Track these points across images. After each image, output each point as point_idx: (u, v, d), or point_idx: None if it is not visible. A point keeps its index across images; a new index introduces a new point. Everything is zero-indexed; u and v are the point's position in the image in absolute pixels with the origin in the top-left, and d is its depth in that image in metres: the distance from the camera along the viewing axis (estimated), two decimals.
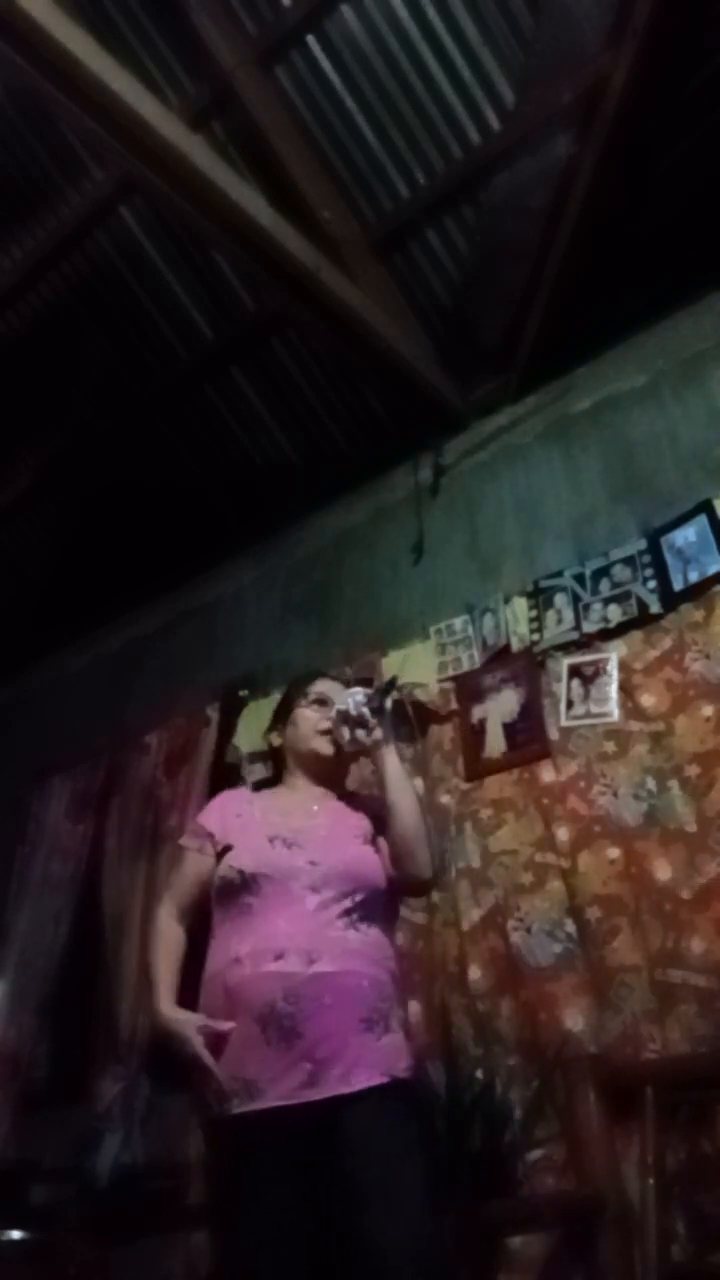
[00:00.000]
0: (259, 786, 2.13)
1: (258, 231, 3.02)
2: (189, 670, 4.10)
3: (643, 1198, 2.17)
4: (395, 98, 3.42)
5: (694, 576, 2.78)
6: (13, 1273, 2.90)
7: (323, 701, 2.02)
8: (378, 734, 1.90)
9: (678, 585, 2.81)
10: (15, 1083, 3.68)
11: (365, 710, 1.90)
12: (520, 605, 3.14)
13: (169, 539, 4.41)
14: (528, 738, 2.94)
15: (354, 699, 1.92)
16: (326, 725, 1.97)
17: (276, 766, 2.09)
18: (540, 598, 3.10)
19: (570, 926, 2.62)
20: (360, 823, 1.92)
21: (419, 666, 3.22)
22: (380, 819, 1.91)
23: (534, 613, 3.10)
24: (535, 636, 3.06)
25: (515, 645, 3.10)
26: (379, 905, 1.83)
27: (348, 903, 1.76)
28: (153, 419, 4.39)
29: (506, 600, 3.17)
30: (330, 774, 2.02)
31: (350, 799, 2.02)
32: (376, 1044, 1.66)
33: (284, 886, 1.75)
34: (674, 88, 3.00)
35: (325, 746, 1.97)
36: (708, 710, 2.61)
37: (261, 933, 1.71)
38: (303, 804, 1.95)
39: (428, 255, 3.65)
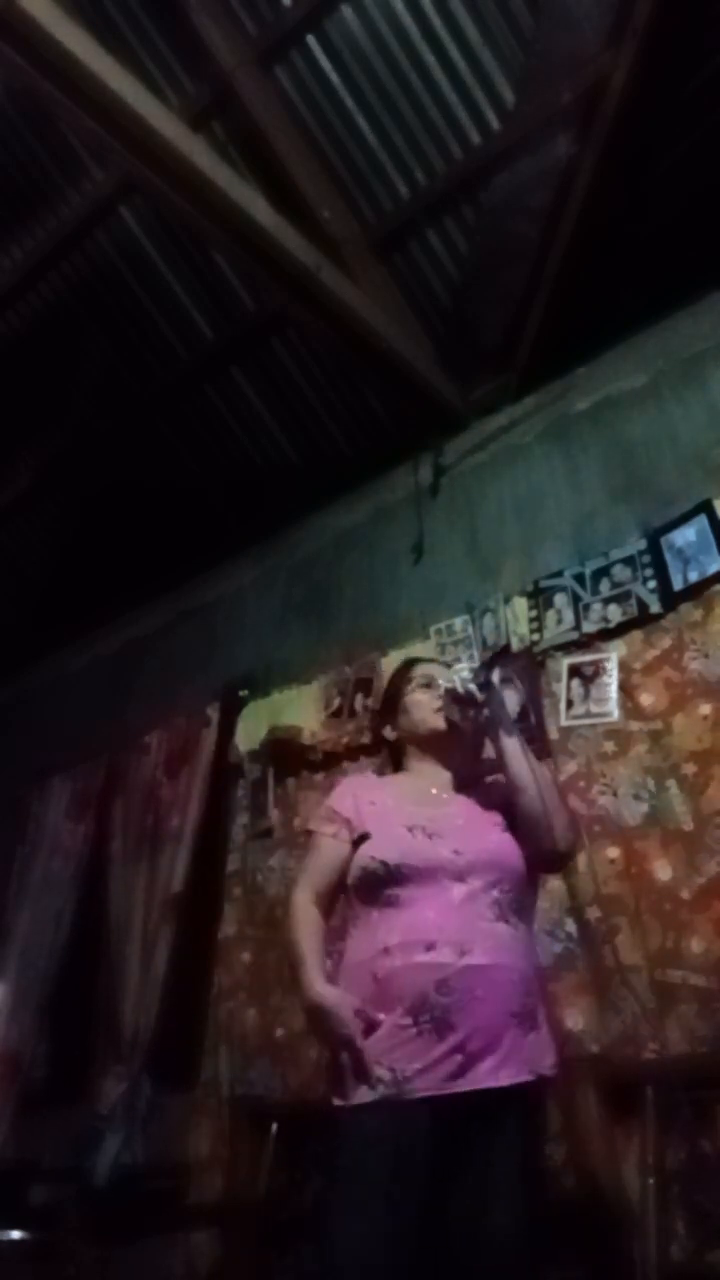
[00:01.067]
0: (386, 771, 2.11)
1: (258, 231, 3.02)
2: (189, 670, 4.10)
3: (643, 1198, 2.17)
4: (395, 98, 3.42)
5: (694, 576, 2.77)
6: (13, 1273, 2.90)
7: (429, 684, 2.02)
8: (487, 711, 1.90)
9: (678, 585, 2.81)
10: (16, 1083, 3.68)
11: (472, 687, 1.89)
12: (520, 605, 3.14)
13: (169, 539, 4.42)
14: (527, 738, 2.92)
15: (460, 676, 1.91)
16: (438, 704, 1.96)
17: (395, 760, 2.07)
18: (540, 598, 3.10)
19: (570, 926, 2.62)
20: (493, 812, 1.90)
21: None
22: (505, 806, 1.89)
23: (534, 613, 3.10)
24: (535, 636, 3.06)
25: (515, 645, 3.09)
26: (524, 896, 1.83)
27: (495, 893, 1.75)
28: (153, 419, 4.40)
29: (506, 600, 3.17)
30: (455, 753, 1.99)
31: (476, 786, 1.99)
32: (525, 1039, 1.67)
33: (430, 877, 1.74)
34: (674, 88, 3.00)
35: (440, 723, 1.96)
36: (706, 709, 2.61)
37: (410, 924, 1.70)
38: (431, 790, 1.94)
39: (428, 255, 3.65)
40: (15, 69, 2.58)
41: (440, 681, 1.99)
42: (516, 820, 1.86)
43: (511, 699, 3.01)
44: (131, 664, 4.43)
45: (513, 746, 1.89)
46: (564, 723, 2.88)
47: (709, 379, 3.05)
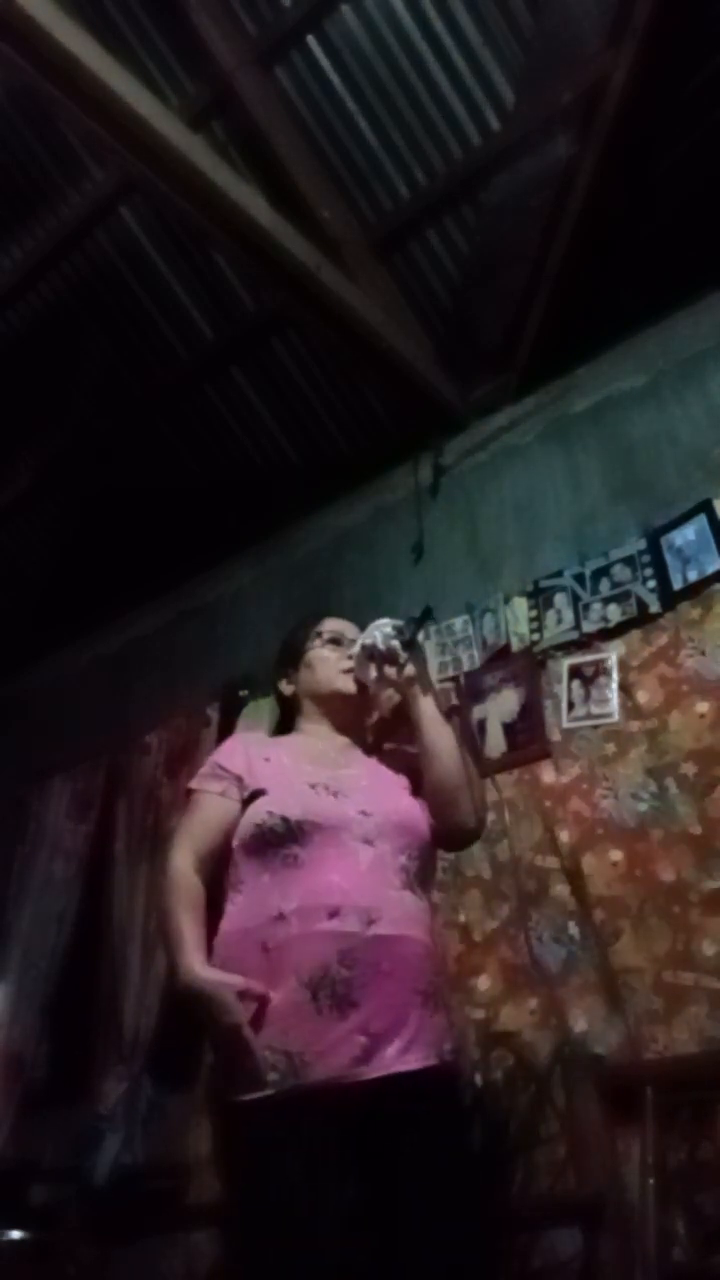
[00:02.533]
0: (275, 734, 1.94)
1: (258, 231, 3.02)
2: (189, 670, 4.09)
3: (643, 1198, 2.17)
4: (395, 98, 3.42)
5: (693, 576, 2.78)
6: (13, 1273, 2.90)
7: (337, 641, 1.86)
8: (410, 670, 1.72)
9: (677, 585, 2.81)
10: (17, 1083, 3.68)
11: (395, 644, 1.72)
12: (520, 605, 3.14)
13: (169, 539, 4.41)
14: (528, 738, 2.94)
15: (381, 631, 1.73)
16: (347, 664, 1.80)
17: (288, 716, 1.90)
18: (540, 598, 3.10)
19: (574, 930, 2.63)
20: (398, 775, 1.76)
21: None
22: (413, 772, 1.74)
23: (534, 613, 3.10)
24: (535, 636, 3.06)
25: (515, 645, 3.10)
26: (429, 865, 1.69)
27: (403, 859, 1.60)
28: (153, 419, 4.39)
29: (506, 600, 3.18)
30: (353, 719, 1.84)
31: (376, 751, 1.84)
32: (431, 1020, 1.51)
33: (335, 837, 1.56)
34: (674, 88, 3.00)
35: (348, 685, 1.80)
36: (703, 707, 2.62)
37: (311, 887, 1.52)
38: (329, 753, 1.77)
39: (428, 255, 3.65)
40: (15, 69, 2.58)
41: (350, 638, 1.84)
42: (425, 790, 1.71)
43: (511, 698, 3.02)
44: (131, 664, 4.42)
45: (430, 710, 1.72)
46: (565, 725, 2.88)
47: (709, 379, 3.05)
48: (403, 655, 1.72)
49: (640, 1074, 2.34)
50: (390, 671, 1.73)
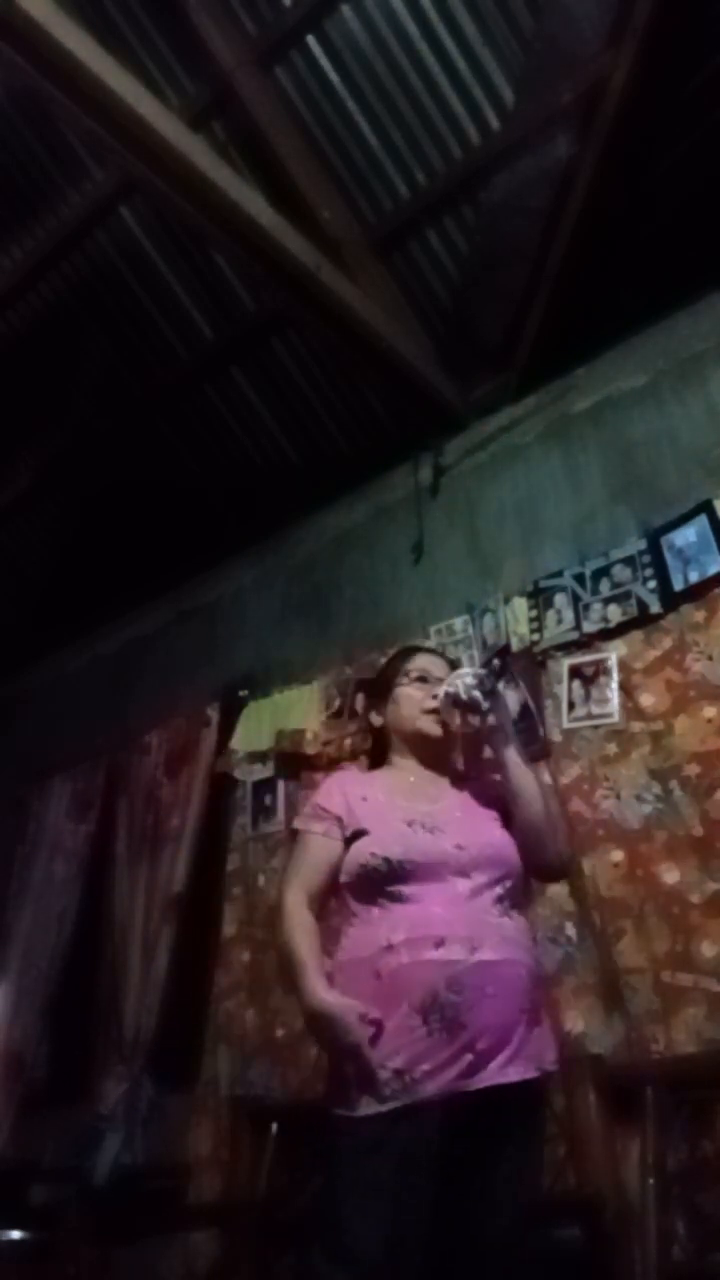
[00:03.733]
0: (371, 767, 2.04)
1: (258, 231, 3.02)
2: (189, 670, 4.10)
3: (643, 1198, 2.17)
4: (395, 98, 3.42)
5: (694, 577, 2.78)
6: (13, 1273, 2.90)
7: (424, 679, 1.93)
8: (491, 719, 1.81)
9: (678, 585, 2.81)
10: (17, 1082, 3.68)
11: (477, 694, 1.78)
12: (520, 605, 3.14)
13: (169, 539, 4.41)
14: (528, 738, 2.93)
15: (463, 682, 1.80)
16: (432, 704, 1.88)
17: (379, 748, 2.00)
18: (540, 598, 3.10)
19: (571, 931, 2.63)
20: (490, 805, 1.85)
21: None
22: (501, 803, 1.84)
23: (534, 613, 3.10)
24: (535, 636, 3.06)
25: (515, 645, 3.09)
26: (523, 890, 1.79)
27: (499, 889, 1.71)
28: (153, 419, 4.40)
29: (506, 600, 3.17)
30: (441, 756, 1.93)
31: (465, 782, 1.93)
32: (531, 1035, 1.63)
33: (434, 872, 1.68)
34: (674, 88, 3.00)
35: (433, 728, 1.88)
36: (710, 711, 2.61)
37: (416, 920, 1.64)
38: (420, 787, 1.87)
39: (428, 255, 3.65)
40: (15, 69, 2.58)
41: (436, 676, 1.92)
42: (514, 828, 1.82)
43: (511, 699, 3.02)
44: (131, 664, 4.43)
45: (514, 757, 1.84)
46: (566, 725, 2.88)
47: (709, 379, 3.05)
48: (484, 705, 1.80)
49: (640, 1074, 2.34)
50: (474, 720, 1.81)
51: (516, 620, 3.12)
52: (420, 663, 1.99)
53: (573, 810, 2.76)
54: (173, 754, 3.87)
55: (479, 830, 1.78)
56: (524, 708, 2.98)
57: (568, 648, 2.99)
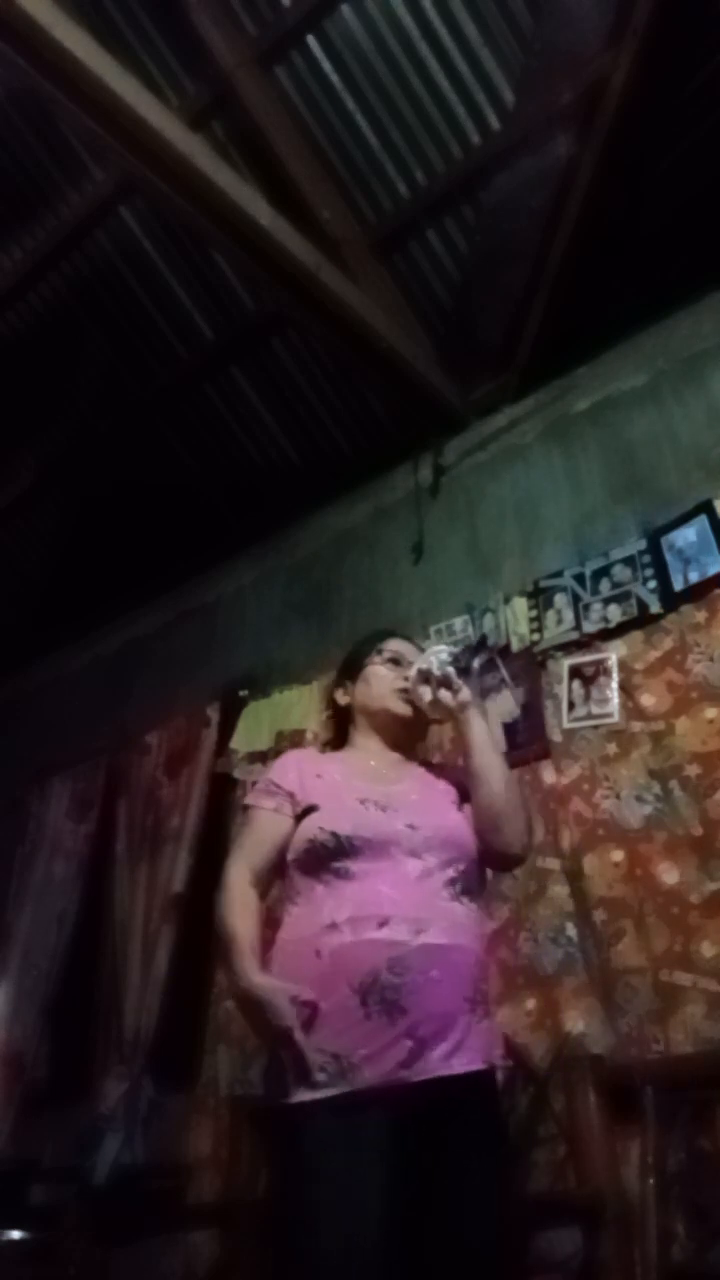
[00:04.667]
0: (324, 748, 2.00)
1: (258, 231, 3.02)
2: (189, 670, 4.10)
3: (643, 1198, 2.17)
4: (395, 98, 3.42)
5: (694, 577, 2.78)
6: (13, 1273, 2.90)
7: (397, 661, 1.90)
8: (464, 695, 1.78)
9: (678, 585, 2.81)
10: (18, 1083, 3.68)
11: (450, 670, 1.77)
12: (520, 605, 3.14)
13: (169, 539, 4.42)
14: (528, 738, 2.93)
15: (438, 657, 1.79)
16: (402, 684, 1.84)
17: (341, 727, 1.96)
18: (540, 598, 3.10)
19: (571, 931, 2.63)
20: (448, 788, 1.81)
21: None
22: (463, 788, 1.79)
23: (534, 613, 3.10)
24: (535, 636, 3.06)
25: (515, 645, 3.09)
26: (477, 877, 1.73)
27: (451, 871, 1.65)
28: (153, 419, 4.40)
29: (506, 600, 3.17)
30: (406, 737, 1.89)
31: (427, 765, 1.90)
32: (478, 1026, 1.56)
33: (384, 850, 1.62)
34: (674, 88, 3.00)
35: (401, 707, 1.84)
36: (710, 712, 2.61)
37: (362, 898, 1.58)
38: (380, 769, 1.82)
39: (428, 255, 3.65)
40: (15, 69, 2.58)
41: (409, 660, 1.88)
42: (473, 812, 1.76)
43: (511, 699, 3.02)
44: (131, 664, 4.42)
45: (482, 736, 1.78)
46: (566, 725, 2.88)
47: (709, 379, 3.05)
48: (458, 681, 1.78)
49: (640, 1074, 2.34)
50: (445, 696, 1.77)
51: (516, 620, 3.12)
52: (394, 645, 1.96)
53: (573, 810, 2.76)
54: (173, 754, 3.87)
55: (434, 812, 1.73)
56: (524, 708, 2.98)
57: (568, 648, 2.99)
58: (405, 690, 1.84)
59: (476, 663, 1.84)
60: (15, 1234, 2.95)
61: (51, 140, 3.82)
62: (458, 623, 3.27)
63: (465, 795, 1.79)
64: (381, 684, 1.88)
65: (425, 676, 1.79)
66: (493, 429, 3.58)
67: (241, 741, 3.66)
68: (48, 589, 4.94)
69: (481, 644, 1.82)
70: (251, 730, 3.66)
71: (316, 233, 3.39)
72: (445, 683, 1.78)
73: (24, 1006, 3.84)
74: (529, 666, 3.03)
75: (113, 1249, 2.88)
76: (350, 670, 1.96)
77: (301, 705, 3.55)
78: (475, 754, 1.76)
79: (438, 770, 1.89)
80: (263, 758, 3.57)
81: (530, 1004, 2.62)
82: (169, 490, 4.46)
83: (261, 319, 3.94)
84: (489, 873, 1.84)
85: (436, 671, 1.77)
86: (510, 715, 3.01)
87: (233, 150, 3.58)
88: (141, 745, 4.01)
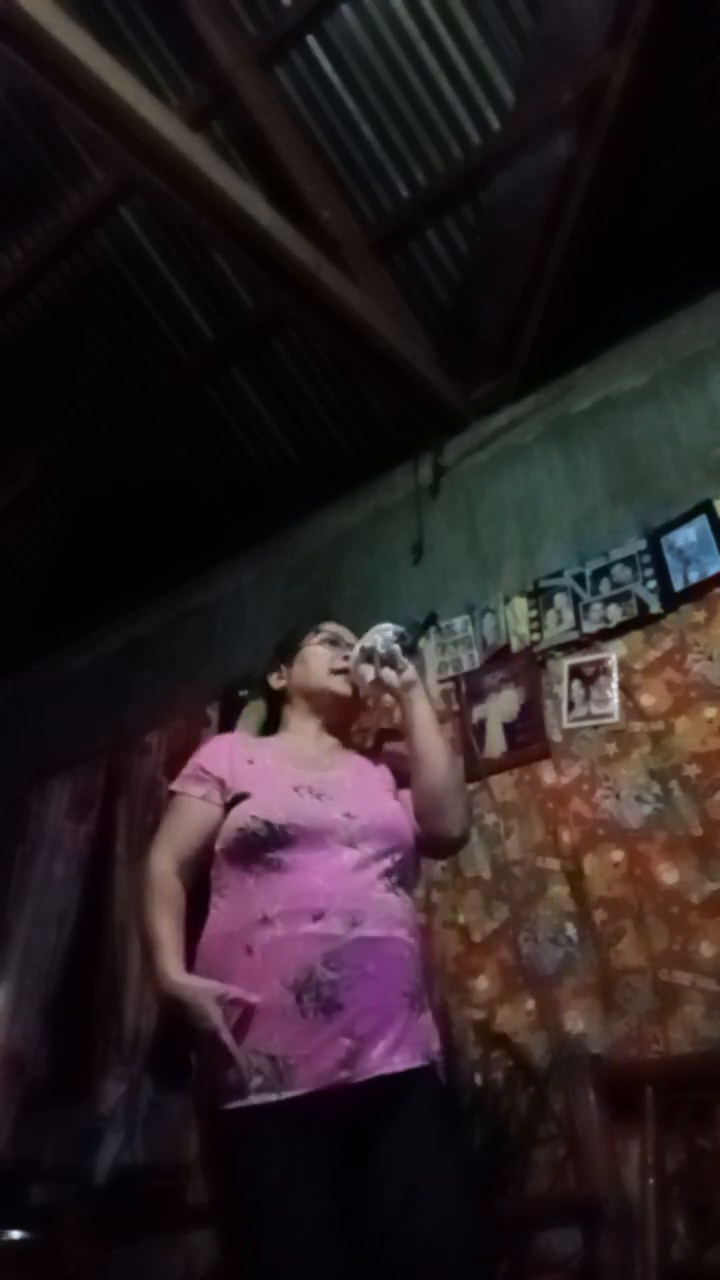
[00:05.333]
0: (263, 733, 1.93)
1: (258, 231, 3.02)
2: (189, 670, 4.09)
3: (643, 1198, 2.17)
4: (395, 98, 3.42)
5: (694, 577, 2.78)
6: (13, 1273, 2.90)
7: (334, 642, 1.87)
8: (409, 674, 1.73)
9: (678, 585, 2.81)
10: (18, 1083, 3.68)
11: (396, 648, 1.73)
12: (520, 605, 3.14)
13: (169, 539, 4.41)
14: (528, 738, 2.94)
15: (382, 635, 1.75)
16: (341, 664, 1.81)
17: (275, 712, 1.91)
18: (540, 598, 3.11)
19: (571, 931, 2.63)
20: (384, 775, 1.76)
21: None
22: (400, 773, 1.75)
23: (534, 613, 3.10)
24: (535, 636, 3.06)
25: (515, 645, 3.10)
26: (412, 867, 1.67)
27: (388, 862, 1.59)
28: (153, 419, 4.39)
29: (506, 600, 3.18)
30: (342, 721, 1.85)
31: (363, 751, 1.85)
32: (416, 1021, 1.50)
33: (318, 840, 1.55)
34: (674, 88, 3.00)
35: (342, 686, 1.80)
36: (710, 712, 2.62)
37: (295, 890, 1.51)
38: (314, 754, 1.77)
39: (428, 255, 3.65)
40: (15, 69, 2.58)
41: (347, 641, 1.86)
42: (413, 795, 1.71)
43: (511, 699, 3.02)
44: (131, 664, 4.42)
45: (425, 715, 1.73)
46: (566, 725, 2.88)
47: (709, 379, 3.05)
48: (403, 660, 1.74)
49: (640, 1074, 2.34)
50: (389, 675, 1.73)
51: (516, 620, 3.12)
52: (331, 626, 1.93)
53: (573, 810, 2.76)
54: (173, 754, 3.86)
55: (371, 800, 1.67)
56: (524, 708, 2.98)
57: (568, 648, 2.99)
58: (345, 670, 1.80)
59: (421, 640, 1.76)
60: (15, 1234, 2.94)
61: (51, 140, 3.82)
62: (458, 623, 3.27)
63: (401, 780, 1.74)
64: (320, 663, 1.84)
65: (369, 655, 1.75)
66: (493, 429, 3.58)
67: None
68: (48, 589, 4.94)
69: (429, 621, 1.72)
70: (252, 730, 3.65)
71: (316, 233, 3.39)
72: (389, 661, 1.73)
73: (24, 1006, 3.83)
74: (529, 666, 3.03)
75: (113, 1249, 2.88)
76: (285, 653, 1.92)
77: None
78: (418, 735, 1.71)
79: (372, 755, 1.84)
80: None
81: (530, 1004, 2.62)
82: (169, 490, 4.46)
83: (261, 319, 3.94)
84: (424, 863, 1.78)
85: (381, 649, 1.74)
86: (510, 715, 3.01)
87: (233, 150, 3.58)
88: (141, 745, 4.01)
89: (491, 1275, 1.51)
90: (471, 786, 2.97)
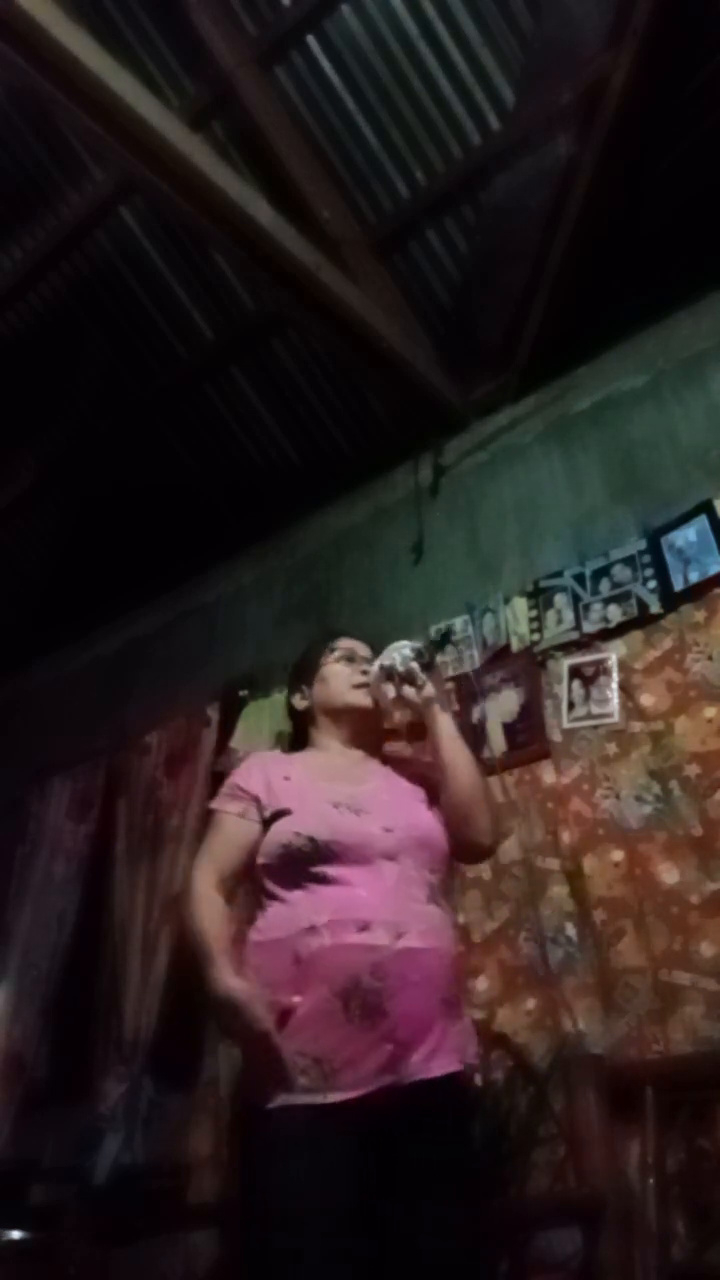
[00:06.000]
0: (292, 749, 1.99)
1: (258, 231, 3.02)
2: (189, 670, 4.09)
3: (643, 1198, 2.17)
4: (395, 98, 3.42)
5: (694, 577, 2.78)
6: (13, 1273, 2.90)
7: (350, 657, 1.93)
8: (429, 690, 1.79)
9: (678, 585, 2.81)
10: (18, 1083, 3.68)
11: (415, 665, 1.79)
12: (520, 605, 3.14)
13: (169, 539, 4.41)
14: (527, 738, 2.94)
15: (401, 653, 1.81)
16: (360, 679, 1.87)
17: (300, 731, 1.96)
18: (540, 598, 3.10)
19: (571, 931, 2.63)
20: (416, 788, 1.81)
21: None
22: (429, 783, 1.81)
23: (534, 613, 3.10)
24: (535, 636, 3.06)
25: (515, 645, 3.10)
26: (449, 877, 1.75)
27: (427, 873, 1.67)
28: (153, 419, 4.39)
29: (506, 600, 3.17)
30: (367, 734, 1.90)
31: (390, 762, 1.90)
32: (454, 1028, 1.58)
33: (360, 855, 1.62)
34: (674, 88, 3.00)
35: (363, 699, 1.86)
36: (710, 712, 2.62)
37: (342, 902, 1.58)
38: (345, 768, 1.83)
39: (428, 255, 3.65)
40: (15, 69, 2.58)
41: (362, 655, 1.92)
42: (442, 806, 1.77)
43: (511, 699, 3.02)
44: (131, 664, 4.42)
45: (449, 730, 1.80)
46: (566, 725, 2.88)
47: (709, 379, 3.05)
48: (421, 676, 1.79)
49: (640, 1074, 2.34)
50: (409, 692, 1.79)
51: (516, 620, 3.12)
52: (345, 643, 1.98)
53: (573, 810, 2.76)
54: (173, 754, 3.87)
55: (406, 812, 1.73)
56: (524, 708, 2.98)
57: (568, 648, 2.99)
58: (364, 684, 1.87)
59: (438, 657, 1.82)
60: (15, 1234, 2.94)
61: (51, 140, 3.82)
62: (458, 623, 3.26)
63: (433, 792, 1.80)
64: (340, 681, 1.90)
65: (388, 673, 1.81)
66: (493, 429, 3.58)
67: (242, 741, 3.66)
68: (48, 589, 4.94)
69: (445, 638, 1.80)
70: (251, 730, 3.66)
71: (316, 233, 3.39)
72: (409, 678, 1.79)
73: (24, 1006, 3.83)
74: (529, 666, 3.03)
75: (113, 1249, 2.88)
76: (305, 673, 1.97)
77: None
78: (443, 748, 1.78)
79: (401, 766, 1.89)
80: None
81: (530, 1004, 2.62)
82: (169, 490, 4.46)
83: (261, 319, 3.94)
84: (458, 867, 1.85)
85: (400, 668, 1.79)
86: (510, 714, 3.01)
87: (233, 150, 3.58)
88: (141, 745, 4.00)
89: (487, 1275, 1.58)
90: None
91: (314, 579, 3.89)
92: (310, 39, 3.43)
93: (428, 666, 1.81)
